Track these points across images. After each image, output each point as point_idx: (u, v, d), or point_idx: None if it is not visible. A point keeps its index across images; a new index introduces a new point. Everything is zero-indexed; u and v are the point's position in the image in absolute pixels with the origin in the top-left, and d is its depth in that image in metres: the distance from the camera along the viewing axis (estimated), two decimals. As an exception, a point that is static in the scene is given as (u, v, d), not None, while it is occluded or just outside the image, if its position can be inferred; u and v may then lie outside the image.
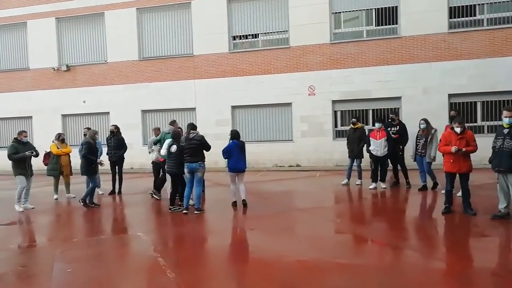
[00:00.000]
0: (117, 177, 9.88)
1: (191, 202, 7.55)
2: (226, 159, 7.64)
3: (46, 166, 9.52)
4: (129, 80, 15.72)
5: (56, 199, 9.34)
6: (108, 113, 16.05)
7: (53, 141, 9.51)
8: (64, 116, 16.65)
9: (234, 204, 7.73)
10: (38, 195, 9.65)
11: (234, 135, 7.67)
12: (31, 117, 16.88)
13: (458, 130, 6.35)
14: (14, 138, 8.20)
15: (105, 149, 10.02)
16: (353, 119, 10.12)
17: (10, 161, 7.97)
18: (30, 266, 4.94)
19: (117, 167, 9.85)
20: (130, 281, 4.34)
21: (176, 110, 15.41)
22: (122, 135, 10.00)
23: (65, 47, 16.60)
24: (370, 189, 9.02)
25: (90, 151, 8.45)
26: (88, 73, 16.22)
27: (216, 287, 4.09)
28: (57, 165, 9.38)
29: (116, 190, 9.89)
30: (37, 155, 8.12)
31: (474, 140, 6.36)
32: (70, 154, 9.68)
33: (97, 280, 4.36)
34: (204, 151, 7.41)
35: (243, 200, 7.65)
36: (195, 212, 7.30)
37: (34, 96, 16.63)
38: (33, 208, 8.25)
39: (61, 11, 16.32)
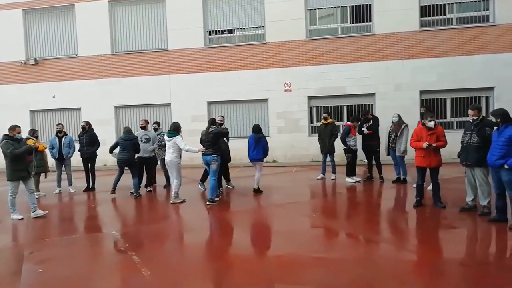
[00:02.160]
0: (90, 174, 9.66)
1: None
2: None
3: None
4: (102, 75, 15.30)
5: (38, 197, 8.97)
6: (79, 108, 15.58)
7: (28, 138, 9.12)
8: (32, 111, 16.04)
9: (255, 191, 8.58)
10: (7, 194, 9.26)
11: (254, 129, 8.55)
12: (-3, 112, 16.17)
13: (431, 124, 6.54)
14: (5, 134, 7.00)
15: (77, 146, 9.77)
16: (324, 114, 10.31)
17: (8, 162, 6.86)
18: (-3, 268, 4.75)
19: (89, 164, 9.63)
20: (104, 280, 4.25)
21: (150, 105, 15.15)
22: (94, 131, 9.77)
23: (33, 40, 15.97)
24: (355, 182, 9.33)
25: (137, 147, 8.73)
26: (57, 67, 15.67)
27: (193, 284, 4.06)
28: (42, 161, 8.99)
29: (91, 187, 9.67)
30: (36, 149, 7.60)
31: (444, 136, 6.58)
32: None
33: (70, 280, 4.24)
34: (220, 142, 8.04)
35: (255, 189, 8.51)
36: (207, 203, 7.63)
37: (0, 91, 15.94)
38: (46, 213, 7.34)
39: (28, 2, 15.67)
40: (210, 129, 7.71)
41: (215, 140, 7.66)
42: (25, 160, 7.02)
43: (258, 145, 8.39)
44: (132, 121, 15.42)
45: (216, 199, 7.78)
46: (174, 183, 7.92)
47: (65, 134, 9.75)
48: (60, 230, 6.70)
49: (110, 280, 4.25)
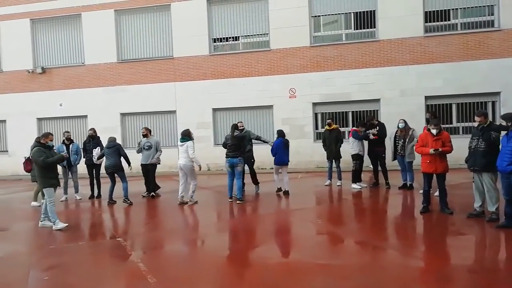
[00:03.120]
0: (95, 181, 9.70)
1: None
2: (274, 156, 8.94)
3: (27, 173, 9.19)
4: (108, 83, 15.45)
5: (39, 205, 9.03)
6: (86, 116, 15.72)
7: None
8: (39, 119, 16.21)
9: (278, 190, 9.15)
10: (14, 201, 9.34)
11: (280, 134, 9.07)
12: (4, 121, 16.37)
13: (434, 131, 6.52)
14: (37, 141, 6.92)
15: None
16: (328, 120, 10.29)
17: (39, 169, 6.75)
18: (5, 275, 4.77)
19: (94, 171, 9.67)
20: (110, 287, 4.25)
21: (156, 113, 15.25)
22: (100, 139, 9.84)
23: (40, 49, 16.19)
24: (361, 188, 9.32)
25: None
26: (64, 76, 15.85)
27: (198, 291, 4.05)
28: None
29: (95, 194, 9.70)
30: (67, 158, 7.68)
31: (450, 141, 6.54)
32: None
33: (76, 287, 4.25)
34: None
35: (286, 191, 8.94)
36: (237, 202, 8.22)
37: (8, 99, 16.15)
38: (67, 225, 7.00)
39: (36, 12, 15.91)
40: (235, 133, 8.30)
41: (239, 143, 8.29)
42: (55, 169, 7.03)
43: (287, 149, 8.94)
44: (137, 128, 15.49)
45: (238, 199, 8.30)
46: (191, 184, 8.50)
47: (72, 141, 9.83)
48: (66, 237, 6.71)
49: (115, 287, 4.25)
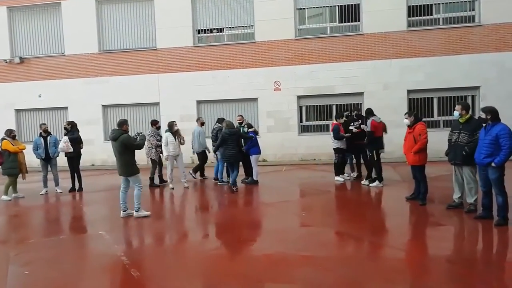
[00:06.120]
0: (75, 174, 9.54)
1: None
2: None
3: None
4: (89, 74, 15.10)
5: (10, 200, 8.83)
6: (66, 108, 15.36)
7: (4, 138, 8.95)
8: (17, 111, 15.76)
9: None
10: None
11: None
12: (-19, 112, 15.86)
13: (406, 121, 6.88)
14: (121, 129, 6.68)
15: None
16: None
17: (128, 156, 6.65)
18: (-19, 270, 4.65)
19: (74, 163, 9.50)
20: (93, 281, 4.20)
21: (139, 105, 15.02)
22: (78, 132, 9.62)
23: (18, 38, 15.68)
24: (344, 181, 9.42)
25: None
26: (43, 66, 15.42)
27: (182, 283, 4.04)
28: (15, 163, 8.85)
29: (76, 187, 9.54)
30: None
31: (423, 134, 6.65)
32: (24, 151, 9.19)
33: (57, 282, 4.18)
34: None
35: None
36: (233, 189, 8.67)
37: (-16, 89, 15.62)
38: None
39: (13, 0, 15.38)
40: (228, 130, 8.73)
41: (237, 139, 8.86)
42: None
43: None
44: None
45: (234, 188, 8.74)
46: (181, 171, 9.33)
47: (49, 133, 9.61)
48: (46, 231, 6.59)
49: (98, 281, 4.20)
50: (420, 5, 13.29)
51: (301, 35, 13.98)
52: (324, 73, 13.69)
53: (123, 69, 14.90)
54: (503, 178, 5.44)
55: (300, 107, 14.22)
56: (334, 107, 13.98)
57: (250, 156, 9.57)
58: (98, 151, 14.54)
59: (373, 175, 8.78)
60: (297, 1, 13.85)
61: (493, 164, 5.34)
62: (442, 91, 13.27)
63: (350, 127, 9.30)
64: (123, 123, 6.79)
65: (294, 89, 13.96)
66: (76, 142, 9.44)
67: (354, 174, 9.83)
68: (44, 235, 6.29)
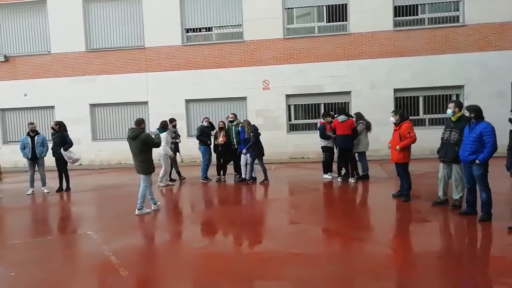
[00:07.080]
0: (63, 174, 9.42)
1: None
2: None
3: None
4: (76, 73, 14.93)
5: None
6: (53, 107, 15.16)
7: None
8: (3, 110, 15.51)
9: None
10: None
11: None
12: (-36, 111, 15.54)
13: (392, 119, 7.01)
14: (139, 128, 6.81)
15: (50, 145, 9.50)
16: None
17: (146, 154, 6.76)
18: (-33, 272, 4.58)
19: (61, 164, 9.38)
20: (81, 281, 4.17)
21: (127, 104, 14.91)
22: (66, 132, 9.50)
23: (3, 36, 15.42)
24: (332, 178, 9.50)
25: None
26: (29, 65, 15.18)
27: (171, 282, 4.05)
28: None
29: (64, 187, 9.44)
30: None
31: (409, 132, 6.78)
32: None
33: (44, 283, 4.14)
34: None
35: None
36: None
37: (-32, 88, 15.31)
38: None
39: (-3, -3, 15.12)
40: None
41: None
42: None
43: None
44: (108, 119, 15.12)
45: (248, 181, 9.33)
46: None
47: (37, 133, 9.47)
48: (33, 231, 6.51)
49: (86, 281, 4.18)
50: (406, 5, 13.49)
51: (289, 35, 14.05)
52: (312, 72, 13.79)
53: (111, 67, 14.76)
54: (487, 175, 5.56)
55: (289, 106, 14.29)
56: (322, 105, 14.08)
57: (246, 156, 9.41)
58: (85, 150, 14.38)
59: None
60: (285, 1, 13.92)
61: (477, 161, 5.45)
62: (428, 90, 13.49)
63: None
64: (141, 122, 6.95)
65: (283, 88, 14.03)
66: (63, 142, 9.30)
67: (342, 172, 9.90)
68: (31, 235, 6.20)
